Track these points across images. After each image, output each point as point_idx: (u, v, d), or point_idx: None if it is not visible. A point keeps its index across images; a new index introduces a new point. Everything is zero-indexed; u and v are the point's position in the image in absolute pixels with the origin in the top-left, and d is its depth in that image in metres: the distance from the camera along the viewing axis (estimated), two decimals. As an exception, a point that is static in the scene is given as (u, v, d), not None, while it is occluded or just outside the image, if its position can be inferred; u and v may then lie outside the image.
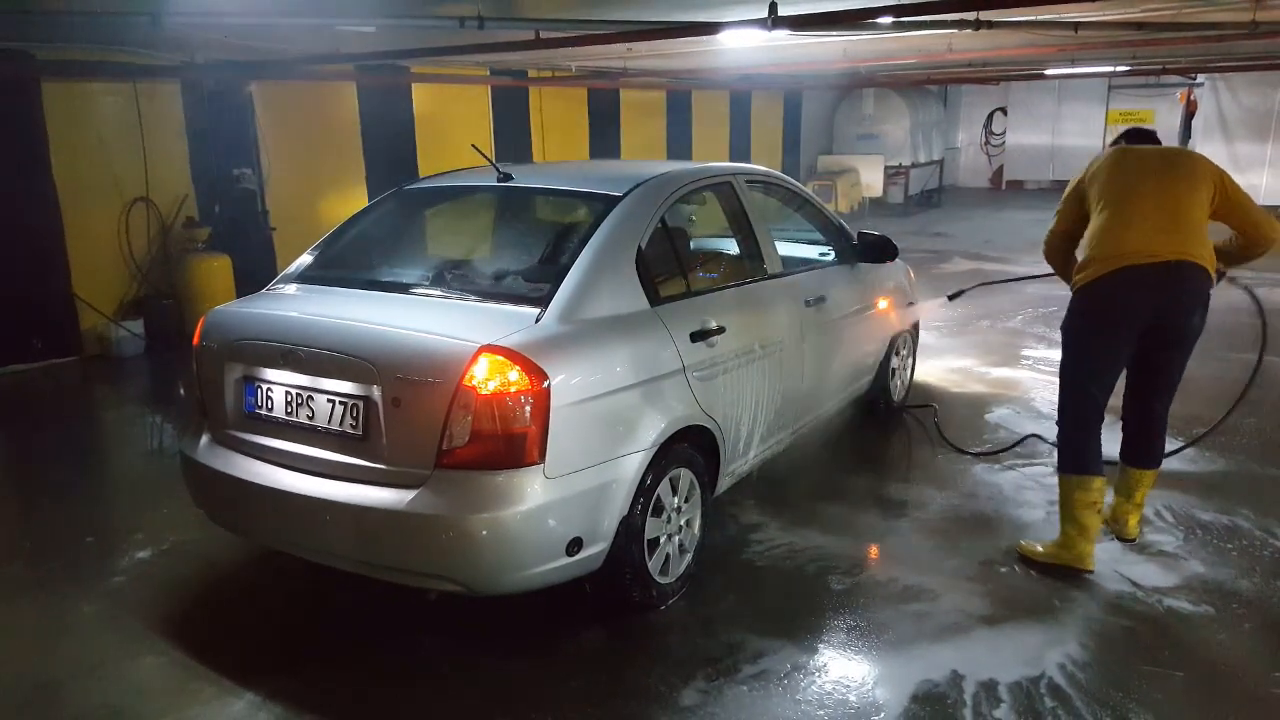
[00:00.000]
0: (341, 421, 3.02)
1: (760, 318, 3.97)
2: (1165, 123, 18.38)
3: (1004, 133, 21.49)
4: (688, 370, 3.39)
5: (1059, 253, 3.90)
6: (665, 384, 3.29)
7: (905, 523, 4.16)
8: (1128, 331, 3.52)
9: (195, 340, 3.45)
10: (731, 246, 4.34)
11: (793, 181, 4.80)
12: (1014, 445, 5.00)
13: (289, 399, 3.14)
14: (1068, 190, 3.82)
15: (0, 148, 6.81)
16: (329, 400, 3.04)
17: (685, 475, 3.45)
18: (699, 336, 3.47)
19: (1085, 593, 3.50)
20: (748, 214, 4.15)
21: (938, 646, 3.16)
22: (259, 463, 3.19)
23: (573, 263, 3.25)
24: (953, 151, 21.25)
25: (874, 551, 3.91)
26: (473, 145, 4.37)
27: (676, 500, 3.41)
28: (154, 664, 3.14)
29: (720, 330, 3.56)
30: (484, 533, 2.82)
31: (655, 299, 3.39)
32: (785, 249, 4.54)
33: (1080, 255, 3.63)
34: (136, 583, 3.70)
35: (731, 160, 14.41)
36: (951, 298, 5.36)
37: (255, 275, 5.90)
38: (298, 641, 3.30)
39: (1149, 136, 3.79)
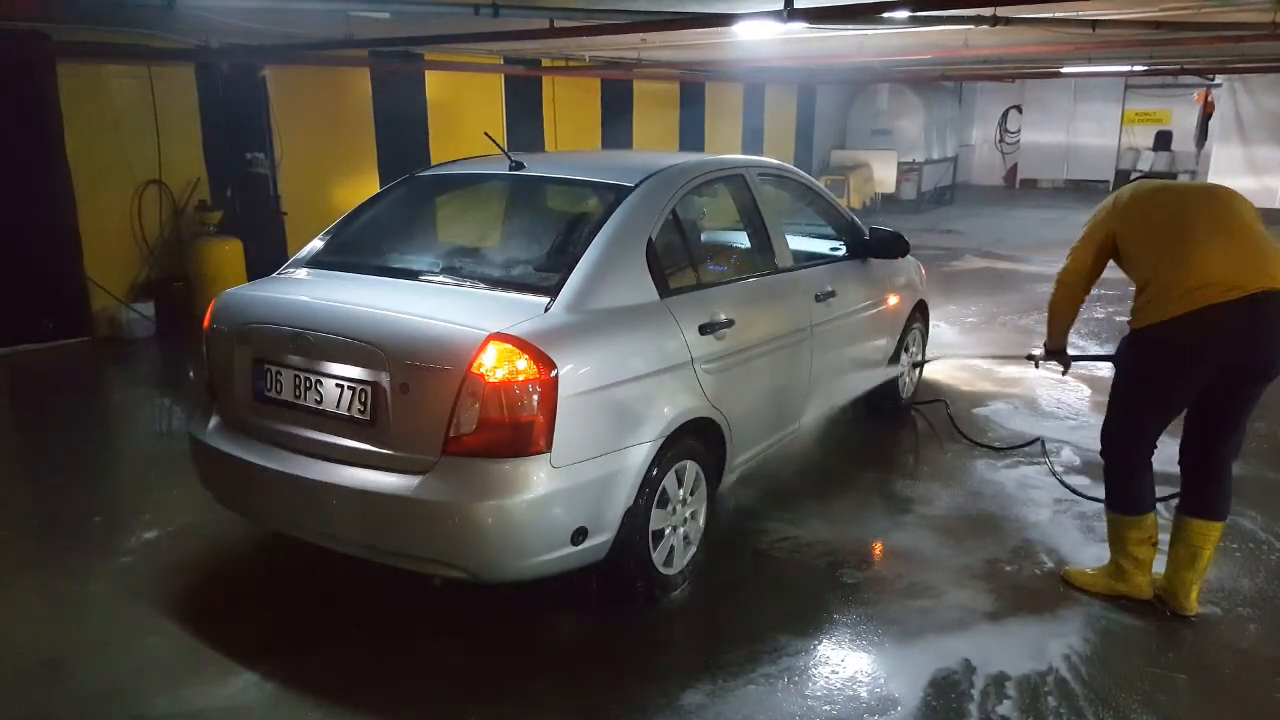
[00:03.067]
0: (350, 406, 3.02)
1: (770, 311, 3.96)
2: (1182, 123, 18.29)
3: (1019, 131, 21.38)
4: (696, 362, 3.39)
5: (1073, 297, 3.50)
6: (673, 376, 3.29)
7: (911, 519, 4.15)
8: (1203, 376, 3.09)
9: (206, 323, 3.46)
10: (742, 239, 4.33)
11: (805, 175, 4.78)
12: (1023, 445, 4.97)
13: (298, 383, 3.14)
14: (1090, 226, 3.38)
15: (15, 129, 6.84)
16: (338, 385, 3.05)
17: (691, 467, 3.44)
18: (708, 329, 3.47)
19: (1090, 592, 3.49)
20: (759, 207, 4.14)
21: (944, 643, 3.15)
22: (267, 446, 3.20)
23: (583, 252, 3.24)
24: (967, 149, 21.14)
25: (879, 547, 3.90)
26: (485, 133, 4.36)
27: (682, 492, 3.41)
28: (158, 643, 3.16)
29: (729, 323, 3.56)
30: (489, 520, 2.83)
31: (665, 290, 3.39)
32: (796, 243, 4.53)
33: (1143, 287, 3.17)
34: (143, 563, 3.73)
35: (744, 153, 14.38)
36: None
37: (266, 259, 5.89)
38: (300, 624, 3.31)
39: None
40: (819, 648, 3.14)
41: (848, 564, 3.71)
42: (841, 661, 3.06)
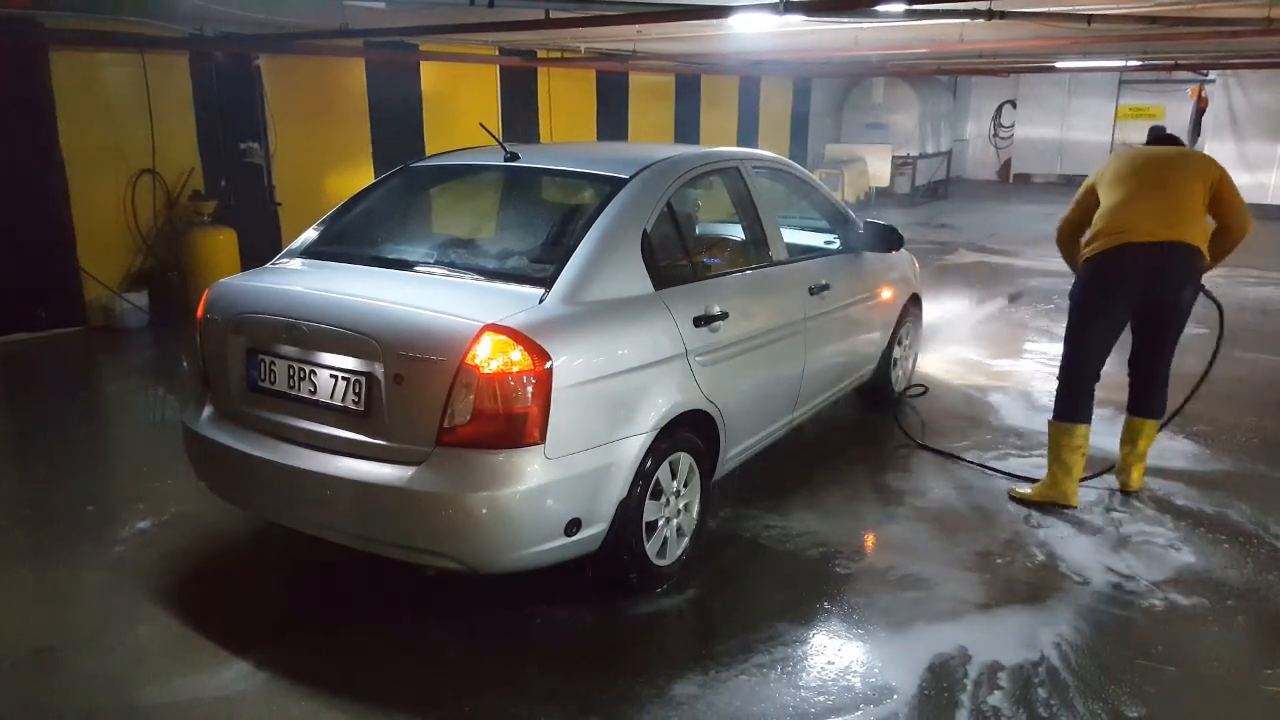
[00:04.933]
0: (344, 397, 3.02)
1: (764, 304, 3.97)
2: (1176, 119, 18.32)
3: (1013, 125, 21.41)
4: (690, 355, 3.39)
5: (1067, 238, 4.42)
6: (667, 368, 3.29)
7: (903, 511, 4.17)
8: (1124, 299, 4.00)
9: (199, 313, 3.45)
10: (737, 232, 4.33)
11: (800, 168, 4.78)
12: (983, 465, 4.68)
13: (292, 373, 3.14)
14: (1085, 184, 4.30)
15: (9, 117, 6.80)
16: (332, 375, 3.05)
17: (685, 459, 3.45)
18: (702, 321, 3.48)
19: (1081, 584, 3.51)
20: (754, 200, 4.14)
21: (937, 633, 3.17)
22: (261, 436, 3.20)
23: (577, 244, 3.24)
24: (961, 143, 21.17)
25: (872, 539, 3.92)
26: (480, 124, 4.36)
27: (675, 484, 3.42)
28: (151, 632, 3.16)
29: (723, 316, 3.56)
30: (483, 511, 2.83)
31: (659, 282, 3.39)
32: (791, 236, 4.53)
33: (1089, 232, 4.14)
34: (136, 552, 3.72)
35: (739, 146, 14.37)
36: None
37: (260, 249, 5.89)
38: (293, 614, 3.32)
39: (1170, 139, 4.27)
40: (812, 638, 3.15)
41: (840, 555, 3.72)
42: (835, 652, 3.07)
